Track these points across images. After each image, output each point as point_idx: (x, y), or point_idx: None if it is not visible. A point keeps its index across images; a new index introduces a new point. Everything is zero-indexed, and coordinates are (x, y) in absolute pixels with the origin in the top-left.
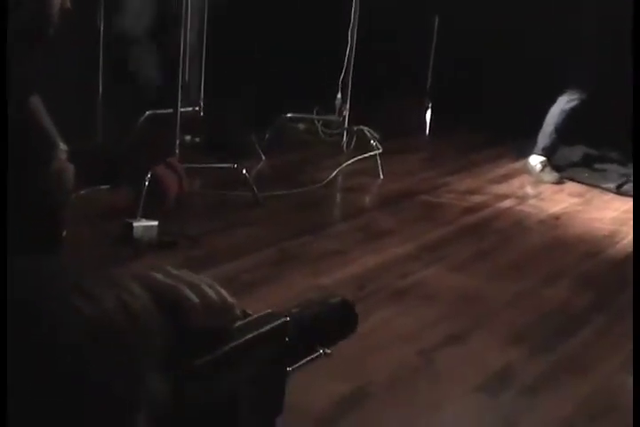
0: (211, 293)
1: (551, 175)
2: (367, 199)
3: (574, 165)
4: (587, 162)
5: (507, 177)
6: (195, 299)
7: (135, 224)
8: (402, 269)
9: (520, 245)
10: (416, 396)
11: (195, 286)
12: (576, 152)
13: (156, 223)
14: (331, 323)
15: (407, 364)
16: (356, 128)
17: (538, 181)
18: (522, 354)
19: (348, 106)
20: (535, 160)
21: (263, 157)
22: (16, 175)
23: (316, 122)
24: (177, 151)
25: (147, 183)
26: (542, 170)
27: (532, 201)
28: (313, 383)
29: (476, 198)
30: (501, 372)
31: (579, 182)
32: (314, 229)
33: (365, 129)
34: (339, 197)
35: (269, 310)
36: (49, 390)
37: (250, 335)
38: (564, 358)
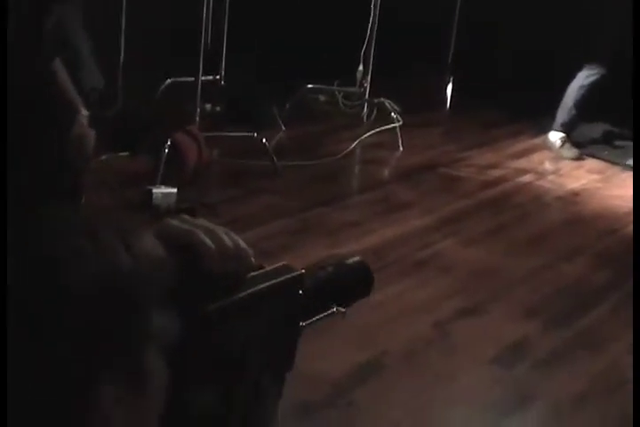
0: (227, 239)
1: (571, 151)
2: (386, 171)
3: (594, 141)
4: (607, 139)
5: (526, 152)
6: (210, 244)
7: (154, 191)
8: (420, 241)
9: (538, 220)
10: (431, 367)
11: (211, 231)
12: (596, 129)
13: (175, 190)
14: (347, 282)
15: (423, 335)
16: (376, 100)
17: (557, 157)
18: (537, 328)
19: (369, 78)
20: (555, 136)
21: (283, 128)
22: (37, 139)
23: (337, 93)
24: (197, 119)
25: (166, 150)
26: (562, 146)
27: (551, 177)
28: (330, 351)
29: (496, 173)
30: (516, 345)
31: (599, 159)
32: (332, 200)
33: (386, 101)
34: (357, 168)
35: (284, 262)
36: (63, 331)
37: (265, 285)
38: (579, 333)
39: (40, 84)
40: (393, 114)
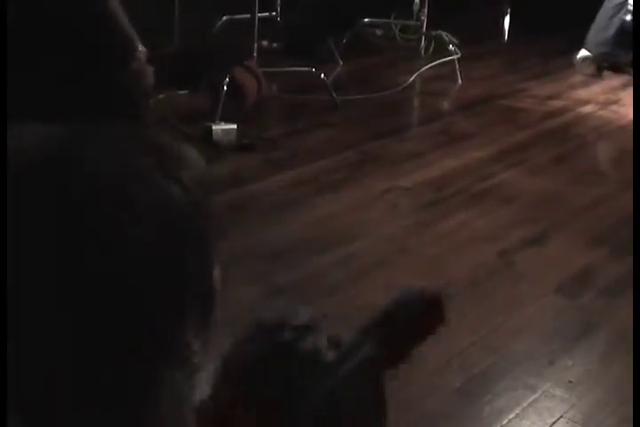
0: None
1: (589, 68)
2: (446, 104)
3: None
4: None
5: (587, 82)
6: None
7: (214, 127)
8: (481, 171)
9: (600, 150)
10: (496, 296)
11: None
12: None
13: (235, 126)
14: (417, 323)
15: (487, 265)
16: (434, 33)
17: (619, 87)
18: (601, 257)
19: (426, 10)
20: (582, 53)
21: (340, 62)
22: (95, 77)
23: (394, 27)
24: (255, 55)
25: (225, 87)
26: (582, 62)
27: (612, 107)
28: (395, 282)
29: (556, 103)
30: (581, 274)
31: None
32: (392, 133)
33: (443, 34)
34: (417, 101)
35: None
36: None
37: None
38: None
39: (96, 19)
40: (451, 46)
